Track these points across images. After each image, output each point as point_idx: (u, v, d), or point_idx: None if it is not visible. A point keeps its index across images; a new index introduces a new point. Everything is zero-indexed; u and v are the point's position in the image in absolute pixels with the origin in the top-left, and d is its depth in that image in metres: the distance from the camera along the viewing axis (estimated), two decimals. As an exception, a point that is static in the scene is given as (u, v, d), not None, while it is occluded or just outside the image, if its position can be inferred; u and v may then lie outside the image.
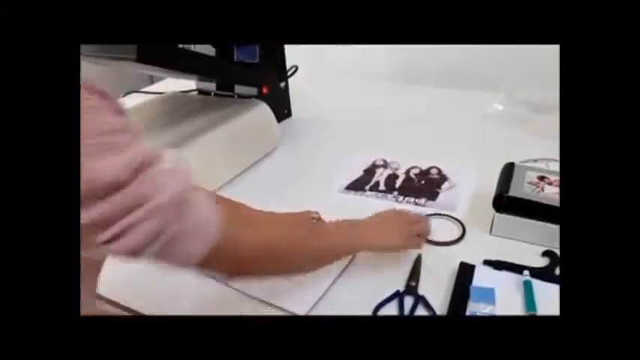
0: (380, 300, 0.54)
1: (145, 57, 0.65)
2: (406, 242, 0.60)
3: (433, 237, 0.64)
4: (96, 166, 0.33)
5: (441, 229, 0.66)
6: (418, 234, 0.61)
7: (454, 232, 0.66)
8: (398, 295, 0.55)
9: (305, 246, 0.51)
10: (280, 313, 0.55)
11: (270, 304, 0.56)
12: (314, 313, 0.55)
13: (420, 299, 0.54)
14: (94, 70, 0.59)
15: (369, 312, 0.54)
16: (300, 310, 0.55)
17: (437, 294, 0.55)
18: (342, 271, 0.60)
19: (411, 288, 0.56)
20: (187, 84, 1.06)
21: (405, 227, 0.60)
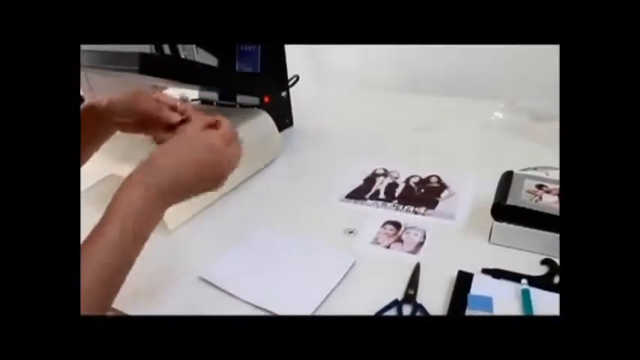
0: (378, 308, 0.55)
1: (148, 68, 0.66)
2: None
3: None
4: None
5: (441, 237, 0.67)
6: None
7: (453, 239, 0.67)
8: (396, 304, 0.55)
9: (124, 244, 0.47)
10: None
11: (267, 311, 0.56)
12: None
13: (418, 307, 0.55)
14: (102, 81, 0.60)
15: (367, 320, 0.54)
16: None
17: (435, 302, 0.55)
18: (340, 280, 0.60)
19: (409, 296, 0.56)
20: (190, 93, 1.08)
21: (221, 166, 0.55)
